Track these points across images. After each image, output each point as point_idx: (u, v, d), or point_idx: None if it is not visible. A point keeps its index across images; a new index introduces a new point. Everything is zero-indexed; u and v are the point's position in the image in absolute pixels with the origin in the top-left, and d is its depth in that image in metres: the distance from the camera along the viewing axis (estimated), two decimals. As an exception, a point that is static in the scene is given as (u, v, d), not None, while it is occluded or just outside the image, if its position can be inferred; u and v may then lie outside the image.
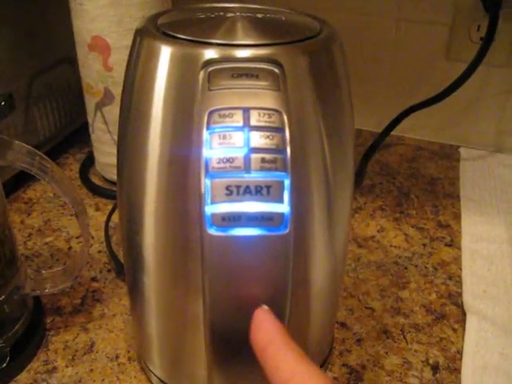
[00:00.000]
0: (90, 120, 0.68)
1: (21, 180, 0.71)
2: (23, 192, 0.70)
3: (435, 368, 0.48)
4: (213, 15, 0.36)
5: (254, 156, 0.26)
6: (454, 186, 0.75)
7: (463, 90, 0.74)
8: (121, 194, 0.39)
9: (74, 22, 0.62)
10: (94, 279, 0.56)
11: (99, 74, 0.62)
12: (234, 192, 0.26)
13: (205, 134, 0.27)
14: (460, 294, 0.56)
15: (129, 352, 0.48)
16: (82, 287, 0.55)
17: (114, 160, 0.67)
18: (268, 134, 0.27)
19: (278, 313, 0.27)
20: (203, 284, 0.27)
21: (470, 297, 0.55)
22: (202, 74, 0.29)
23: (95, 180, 0.73)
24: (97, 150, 0.71)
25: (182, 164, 0.33)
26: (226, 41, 0.31)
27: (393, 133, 0.80)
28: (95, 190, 0.70)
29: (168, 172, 0.34)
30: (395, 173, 0.77)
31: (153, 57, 0.32)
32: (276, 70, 0.29)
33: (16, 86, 0.67)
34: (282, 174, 0.27)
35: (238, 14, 0.35)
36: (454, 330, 0.52)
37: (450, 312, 0.54)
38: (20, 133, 0.68)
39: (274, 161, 0.27)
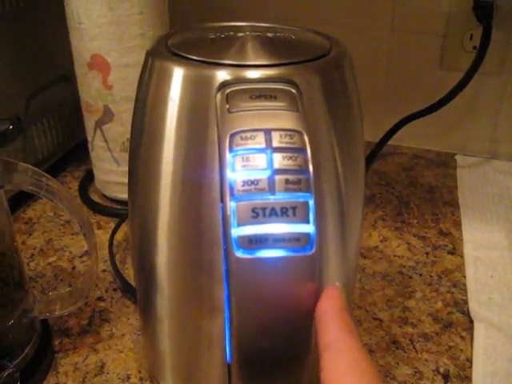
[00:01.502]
0: (89, 138, 0.68)
1: (20, 200, 0.71)
2: (23, 212, 0.70)
3: (446, 377, 0.48)
4: (223, 35, 0.36)
5: (278, 177, 0.27)
6: (452, 193, 0.75)
7: (457, 98, 0.75)
8: (133, 212, 0.39)
9: (72, 40, 0.62)
10: (100, 299, 0.56)
11: (98, 93, 0.62)
12: (260, 214, 0.26)
13: (228, 156, 0.27)
14: (465, 302, 0.56)
15: (140, 372, 0.48)
16: (89, 307, 0.55)
17: (114, 178, 0.68)
18: (290, 154, 0.27)
19: (306, 331, 0.28)
20: (230, 307, 0.27)
21: (476, 304, 0.55)
22: (219, 96, 0.29)
23: (95, 198, 0.73)
24: (96, 168, 0.71)
25: (196, 185, 0.33)
26: (239, 61, 0.31)
27: (389, 142, 0.81)
28: (96, 208, 0.70)
29: (181, 193, 0.34)
30: (394, 182, 0.78)
31: (165, 78, 0.33)
32: (293, 91, 0.29)
33: (14, 106, 0.67)
34: (307, 194, 0.27)
35: (248, 33, 0.36)
36: (462, 338, 0.52)
37: (456, 320, 0.54)
38: (18, 152, 0.68)
39: (297, 182, 0.27)
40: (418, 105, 0.79)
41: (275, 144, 0.27)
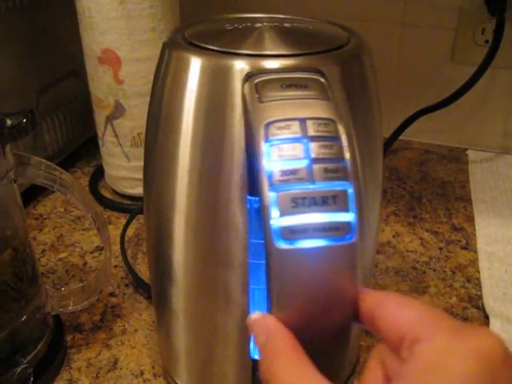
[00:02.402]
0: (99, 133, 0.68)
1: (30, 196, 0.70)
2: (33, 208, 0.70)
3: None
4: (240, 26, 0.35)
5: (316, 166, 0.26)
6: (464, 188, 0.75)
7: (469, 92, 0.75)
8: (148, 207, 0.39)
9: (83, 34, 0.62)
10: (112, 294, 0.56)
11: (110, 87, 0.62)
12: (300, 204, 0.26)
13: (264, 146, 0.26)
14: (480, 297, 0.56)
15: (153, 368, 0.48)
16: (101, 303, 0.54)
17: (125, 173, 0.68)
18: (326, 143, 0.27)
19: (346, 322, 0.27)
20: (271, 299, 0.27)
21: (491, 300, 0.55)
22: (247, 86, 0.29)
23: (105, 193, 0.72)
24: (107, 164, 0.70)
25: (214, 177, 0.33)
26: (261, 51, 0.31)
27: (400, 137, 0.81)
28: (106, 204, 0.70)
29: (198, 185, 0.34)
30: (405, 177, 0.77)
31: (183, 69, 0.32)
32: (322, 80, 0.29)
33: (24, 101, 0.66)
34: (345, 182, 0.26)
35: (265, 24, 0.35)
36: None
37: (471, 315, 0.53)
38: (29, 148, 0.68)
39: (336, 170, 0.26)
40: (429, 99, 0.78)
41: (311, 133, 0.27)
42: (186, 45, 0.33)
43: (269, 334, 0.26)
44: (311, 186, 0.26)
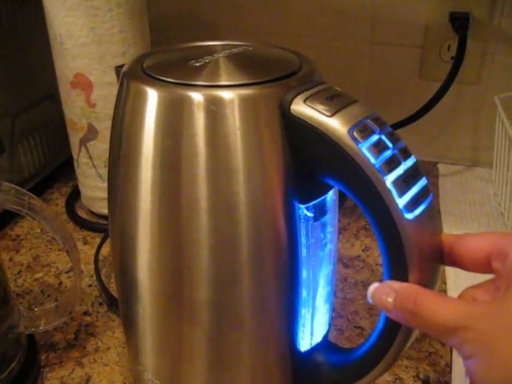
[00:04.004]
0: (74, 155, 0.69)
1: (7, 217, 0.71)
2: (10, 229, 0.71)
3: (426, 382, 0.49)
4: (197, 55, 0.37)
5: (398, 151, 0.31)
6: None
7: (438, 107, 0.77)
8: (113, 228, 0.40)
9: (55, 60, 0.63)
10: (86, 313, 0.57)
11: (82, 111, 0.64)
12: (411, 181, 0.31)
13: (359, 150, 0.31)
14: (446, 309, 0.57)
15: (125, 384, 0.49)
16: (75, 322, 0.55)
17: (100, 193, 0.69)
18: (388, 132, 0.32)
19: (440, 265, 0.34)
20: (404, 264, 0.32)
21: (456, 310, 0.56)
22: (296, 106, 0.32)
23: (82, 214, 0.74)
24: (82, 184, 0.72)
25: (174, 199, 0.34)
26: (218, 82, 0.33)
27: (372, 152, 0.82)
28: (82, 224, 0.71)
29: (159, 207, 0.35)
30: (376, 192, 0.79)
31: (141, 100, 0.34)
32: (337, 88, 0.34)
33: (0, 124, 0.68)
34: (412, 156, 0.32)
35: (220, 53, 0.37)
36: (442, 344, 0.53)
37: (437, 327, 0.55)
38: (5, 170, 0.69)
39: (405, 150, 0.32)
40: (399, 115, 0.80)
41: (377, 128, 0.32)
42: (144, 76, 0.34)
43: (397, 291, 0.31)
44: (406, 166, 0.31)
